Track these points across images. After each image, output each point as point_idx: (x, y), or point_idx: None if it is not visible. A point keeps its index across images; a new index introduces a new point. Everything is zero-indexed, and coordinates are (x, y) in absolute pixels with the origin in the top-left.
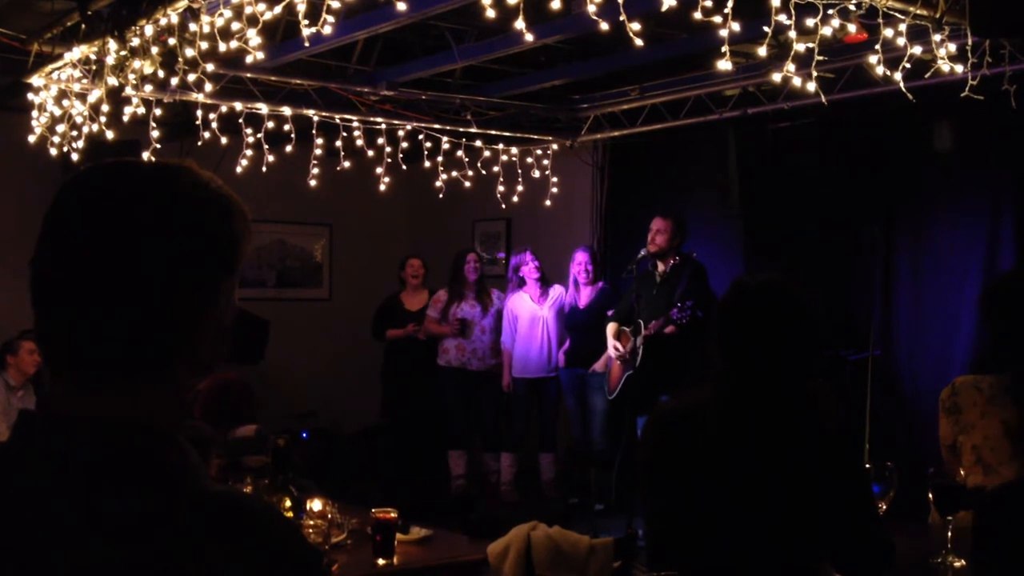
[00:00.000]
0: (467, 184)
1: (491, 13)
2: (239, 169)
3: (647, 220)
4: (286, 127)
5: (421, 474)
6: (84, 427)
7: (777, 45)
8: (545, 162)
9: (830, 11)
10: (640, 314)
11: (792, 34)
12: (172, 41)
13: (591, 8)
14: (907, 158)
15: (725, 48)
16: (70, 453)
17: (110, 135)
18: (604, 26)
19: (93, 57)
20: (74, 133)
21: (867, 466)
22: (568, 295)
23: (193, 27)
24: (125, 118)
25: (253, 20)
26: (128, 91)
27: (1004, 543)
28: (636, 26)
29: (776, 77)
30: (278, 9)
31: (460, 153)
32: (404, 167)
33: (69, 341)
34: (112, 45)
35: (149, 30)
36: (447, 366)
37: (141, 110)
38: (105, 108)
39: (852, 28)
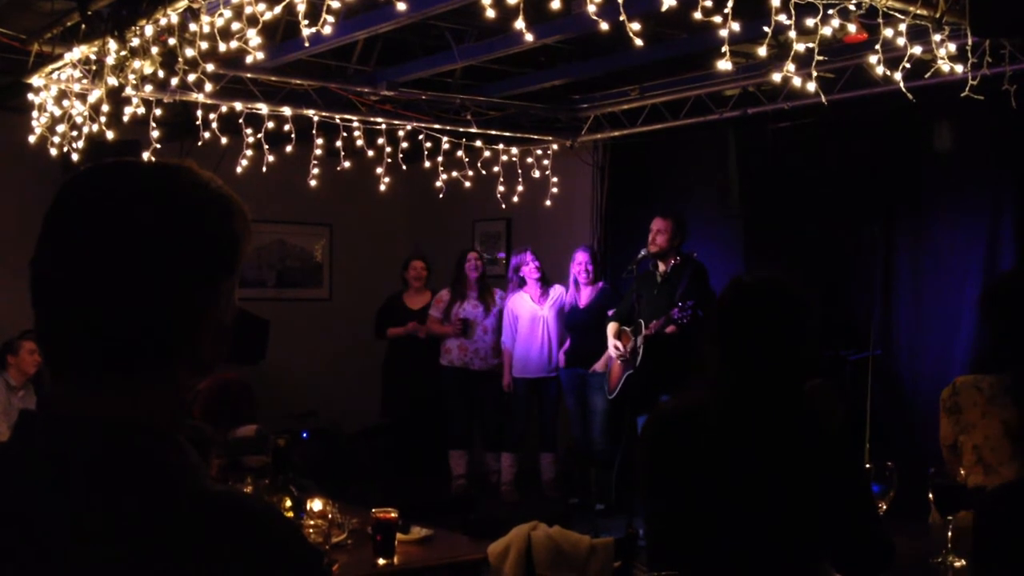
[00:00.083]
0: (467, 184)
1: (491, 13)
2: (239, 169)
3: (647, 220)
4: (286, 127)
5: (421, 474)
6: (84, 427)
7: (777, 45)
8: (545, 162)
9: (830, 11)
10: (641, 314)
11: (792, 34)
12: (172, 41)
13: (591, 8)
14: (907, 158)
15: (725, 48)
16: (70, 453)
17: (110, 135)
18: (604, 26)
19: (93, 57)
20: (74, 133)
21: (867, 466)
22: (568, 295)
23: (193, 27)
24: (125, 118)
25: (253, 20)
26: (128, 91)
27: (1004, 543)
28: (636, 26)
29: (776, 77)
30: (278, 9)
31: (460, 153)
32: (404, 167)
33: (69, 341)
34: (112, 45)
35: (149, 30)
36: (449, 366)
37: (141, 110)
38: (105, 108)
39: (852, 28)
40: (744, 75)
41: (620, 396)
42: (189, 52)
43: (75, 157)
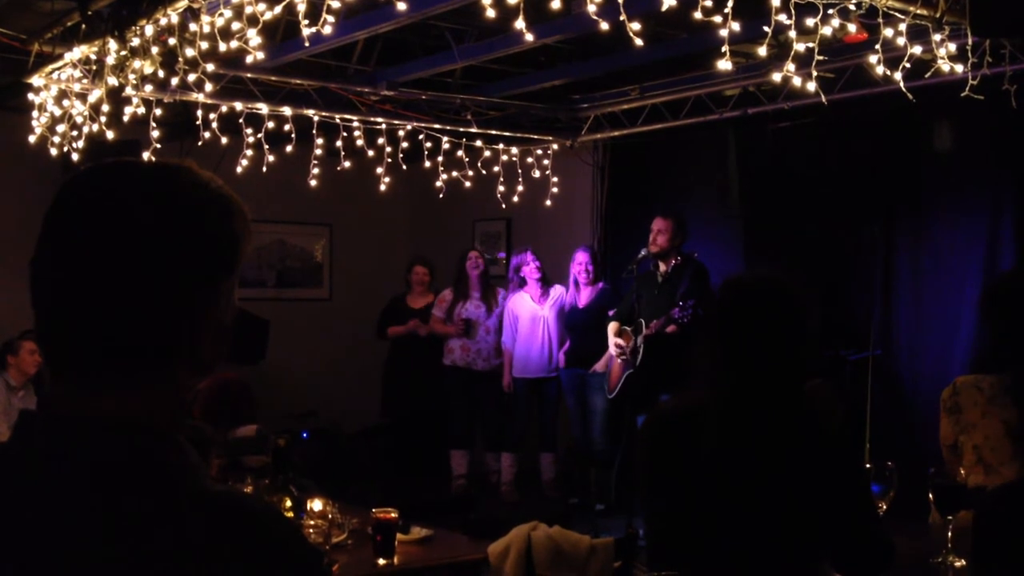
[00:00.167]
0: (467, 184)
1: (491, 13)
2: (239, 169)
3: (647, 220)
4: (286, 127)
5: (421, 474)
6: (84, 427)
7: (777, 45)
8: (545, 162)
9: (830, 11)
10: (641, 314)
11: (792, 34)
12: (172, 41)
13: (591, 8)
14: (907, 158)
15: (725, 48)
16: (70, 453)
17: (110, 135)
18: (604, 26)
19: (93, 57)
20: (74, 133)
21: (867, 466)
22: (568, 295)
23: (193, 27)
24: (125, 118)
25: (253, 20)
26: (128, 91)
27: (1004, 543)
28: (636, 26)
29: (776, 77)
30: (278, 9)
31: (460, 153)
32: (404, 167)
33: (69, 341)
34: (112, 45)
35: (149, 30)
36: (452, 366)
37: (141, 110)
38: (105, 108)
39: (852, 28)
40: (744, 75)
41: (620, 396)
42: (189, 52)
43: (75, 157)
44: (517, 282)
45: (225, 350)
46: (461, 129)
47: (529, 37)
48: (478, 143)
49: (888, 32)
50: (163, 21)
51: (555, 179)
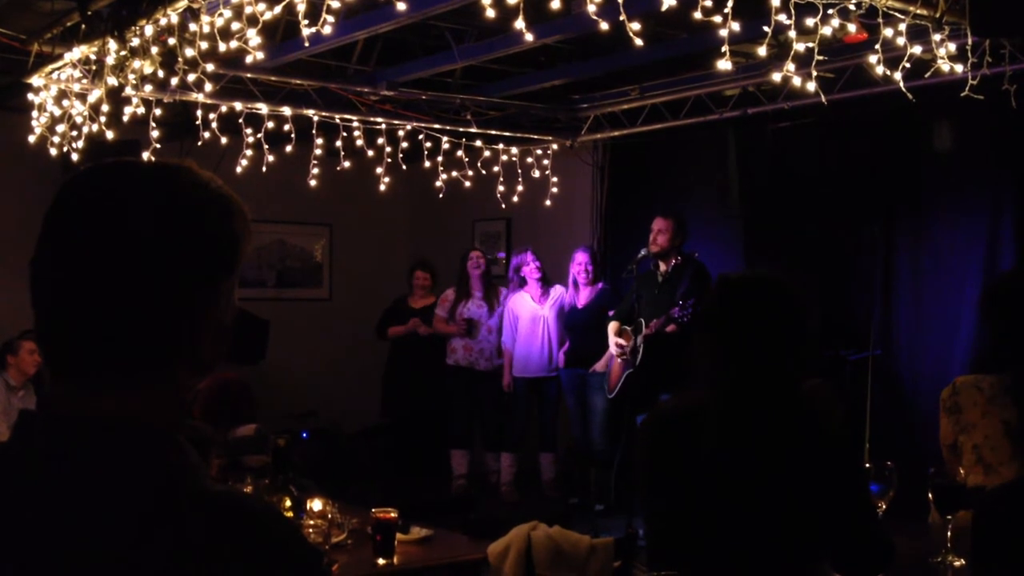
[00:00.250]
0: (467, 184)
1: (491, 13)
2: (239, 169)
3: (647, 220)
4: (286, 127)
5: (421, 474)
6: (84, 427)
7: (777, 45)
8: (545, 162)
9: (830, 11)
10: (641, 314)
11: (792, 34)
12: (172, 41)
13: (591, 8)
14: (907, 158)
15: (725, 48)
16: (70, 453)
17: (110, 135)
18: (604, 26)
19: (93, 57)
20: (74, 133)
21: (867, 466)
22: (567, 295)
23: (193, 27)
24: (125, 118)
25: (253, 20)
26: (128, 91)
27: (1004, 543)
28: (636, 26)
29: (776, 77)
30: (278, 9)
31: (460, 153)
32: (404, 167)
33: (69, 341)
34: (112, 45)
35: (149, 30)
36: (455, 365)
37: (141, 110)
38: (105, 108)
39: (852, 28)
40: (744, 75)
41: (620, 395)
42: (189, 52)
43: (75, 157)
44: (517, 282)
45: (225, 350)
46: (461, 129)
47: (529, 37)
48: (478, 143)
49: (888, 32)
50: (163, 21)
51: (555, 179)
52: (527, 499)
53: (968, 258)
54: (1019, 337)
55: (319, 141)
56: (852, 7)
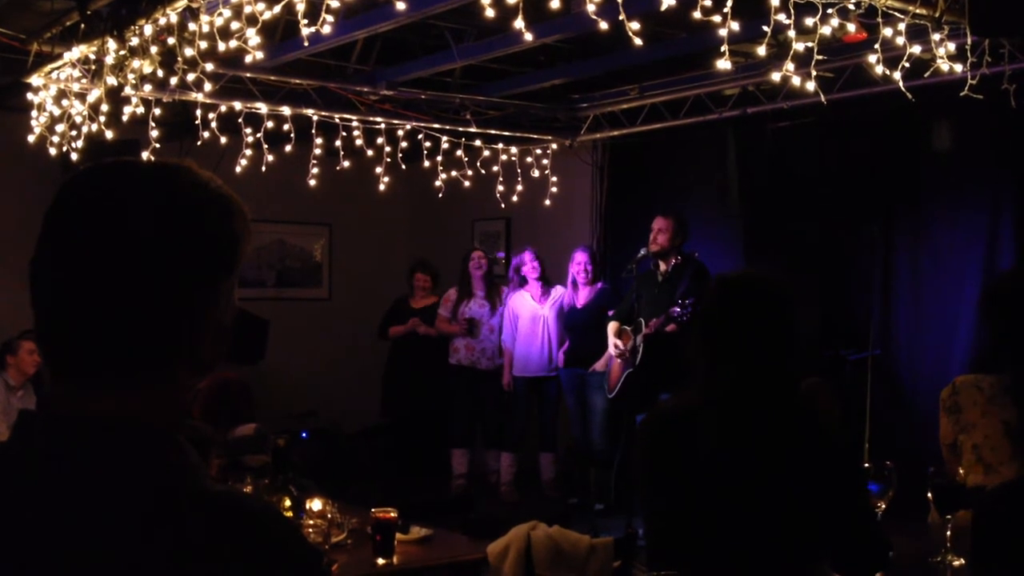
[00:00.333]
0: (467, 184)
1: (490, 13)
2: (239, 169)
3: (647, 220)
4: (285, 127)
5: (421, 474)
6: (84, 427)
7: (776, 44)
8: (545, 162)
9: (829, 10)
10: (641, 313)
11: (791, 33)
12: (171, 41)
13: (591, 8)
14: (906, 158)
15: (724, 48)
16: (70, 453)
17: (109, 135)
18: (604, 25)
19: (92, 57)
20: (73, 133)
21: (867, 465)
22: (567, 295)
23: (192, 27)
24: (124, 118)
25: (252, 20)
26: (127, 91)
27: (1003, 543)
28: (635, 25)
29: (775, 77)
30: (277, 9)
31: (460, 153)
32: (404, 167)
33: (69, 341)
34: (111, 45)
35: (148, 30)
36: (457, 365)
37: (141, 110)
38: (104, 108)
39: (851, 27)
40: (743, 75)
41: (620, 395)
42: (188, 52)
43: (74, 157)
44: (517, 281)
45: (225, 350)
46: (460, 129)
47: (528, 37)
48: (477, 143)
49: (887, 32)
50: (162, 21)
51: (554, 179)
52: (527, 499)
53: (967, 258)
54: (1019, 337)
55: (318, 141)
56: (851, 7)
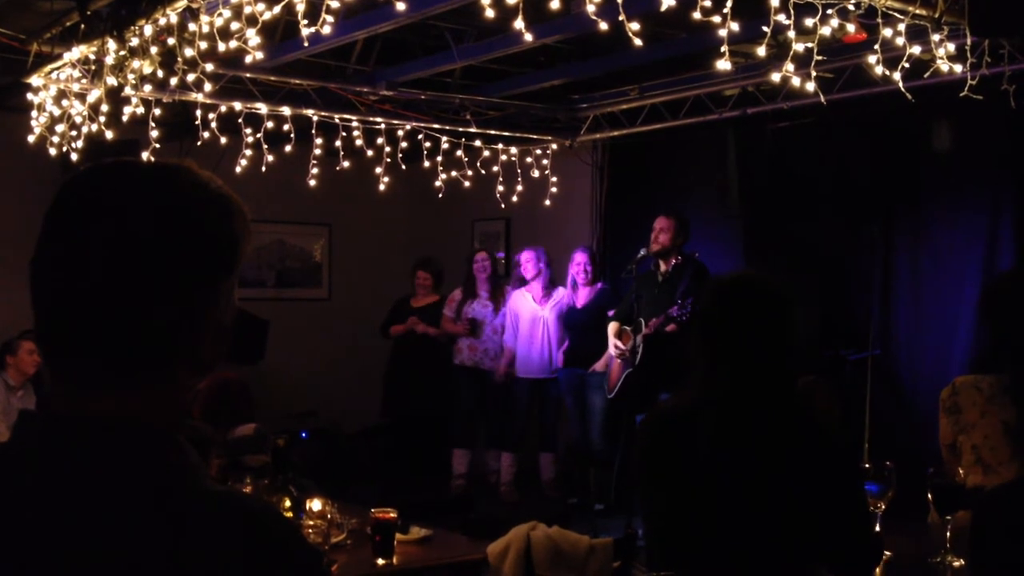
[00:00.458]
0: (467, 184)
1: (490, 13)
2: (238, 169)
3: (647, 220)
4: (285, 127)
5: (421, 474)
6: (84, 427)
7: (776, 45)
8: (544, 162)
9: (829, 11)
10: (641, 313)
11: (791, 34)
12: (171, 41)
13: (590, 8)
14: (906, 158)
15: (724, 48)
16: (70, 453)
17: (109, 135)
18: (603, 26)
19: (92, 57)
20: (73, 133)
21: (867, 466)
22: (566, 295)
23: (192, 27)
24: (124, 118)
25: (252, 20)
26: (127, 91)
27: (1002, 543)
28: (635, 26)
29: (775, 77)
30: (277, 9)
31: (459, 153)
32: (403, 167)
33: (69, 341)
34: (111, 45)
35: (148, 30)
36: (461, 365)
37: (140, 110)
38: (104, 108)
39: (851, 28)
40: (743, 75)
41: (620, 395)
42: (188, 52)
43: (74, 157)
44: (517, 280)
45: (225, 350)
46: (460, 129)
47: (528, 37)
48: (477, 143)
49: (887, 32)
50: (162, 21)
51: (554, 179)
52: (527, 499)
53: (967, 258)
54: (1019, 337)
55: (318, 141)
56: (851, 7)
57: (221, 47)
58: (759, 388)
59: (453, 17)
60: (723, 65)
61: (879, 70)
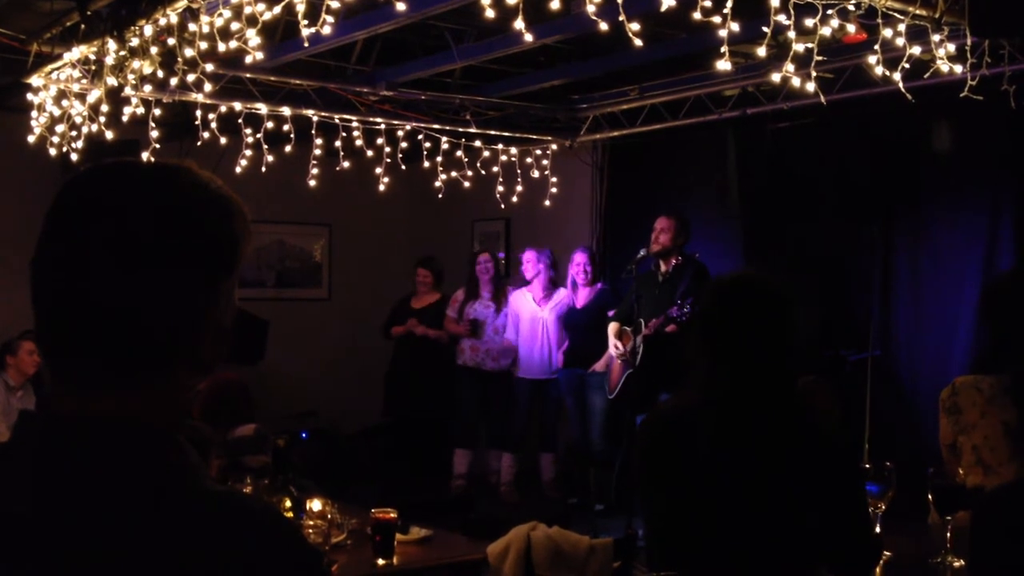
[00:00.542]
0: (466, 184)
1: (490, 13)
2: (238, 169)
3: (646, 220)
4: (285, 127)
5: (421, 474)
6: (84, 427)
7: (776, 45)
8: (544, 162)
9: (829, 11)
10: (641, 314)
11: (791, 34)
12: (171, 41)
13: (590, 8)
14: (906, 158)
15: (724, 48)
16: (70, 453)
17: (109, 135)
18: (603, 26)
19: (92, 57)
20: (73, 133)
21: (867, 466)
22: (566, 296)
23: (192, 27)
24: (124, 118)
25: (252, 20)
26: (127, 91)
27: (1002, 543)
28: (635, 26)
29: (775, 77)
30: (277, 9)
31: (459, 153)
32: (403, 167)
33: (69, 341)
34: (111, 45)
35: (148, 30)
36: (463, 366)
37: (140, 110)
38: (104, 108)
39: (851, 28)
40: (743, 75)
41: (620, 396)
42: (188, 52)
43: (74, 157)
44: (518, 280)
45: (225, 350)
46: (460, 129)
47: (528, 37)
48: (477, 143)
49: (887, 32)
50: (162, 21)
51: (554, 179)
52: (527, 499)
53: (967, 258)
54: (1019, 337)
55: (318, 141)
56: (851, 7)
57: (221, 47)
58: (759, 388)
59: (453, 17)
60: (723, 65)
61: (879, 70)
